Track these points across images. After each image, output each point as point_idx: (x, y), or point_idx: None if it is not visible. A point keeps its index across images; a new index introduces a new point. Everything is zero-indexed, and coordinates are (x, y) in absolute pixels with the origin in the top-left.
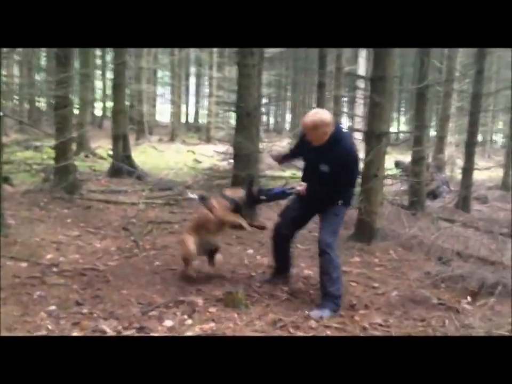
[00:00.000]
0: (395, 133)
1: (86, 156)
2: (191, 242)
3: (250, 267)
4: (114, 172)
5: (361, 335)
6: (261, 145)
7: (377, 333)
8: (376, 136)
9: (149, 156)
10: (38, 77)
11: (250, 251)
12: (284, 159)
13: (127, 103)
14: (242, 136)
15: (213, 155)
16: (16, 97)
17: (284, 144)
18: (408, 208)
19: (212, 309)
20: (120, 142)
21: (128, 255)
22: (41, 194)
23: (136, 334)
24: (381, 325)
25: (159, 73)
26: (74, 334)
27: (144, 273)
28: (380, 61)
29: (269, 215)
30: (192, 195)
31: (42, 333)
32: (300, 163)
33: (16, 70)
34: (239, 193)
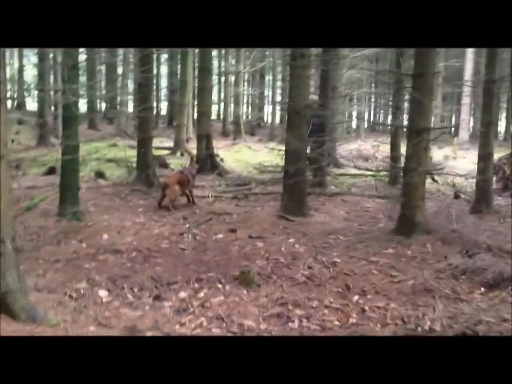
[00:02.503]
0: (437, 128)
1: (182, 154)
2: (176, 189)
3: (283, 253)
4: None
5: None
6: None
7: (373, 315)
8: (416, 132)
9: (242, 155)
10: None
11: (291, 240)
12: None
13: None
14: (291, 134)
15: None
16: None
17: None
18: (475, 206)
19: (227, 286)
20: (203, 141)
21: (178, 240)
22: (124, 187)
23: (150, 302)
24: (379, 308)
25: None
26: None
27: (184, 255)
28: (420, 57)
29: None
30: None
31: (77, 294)
32: None
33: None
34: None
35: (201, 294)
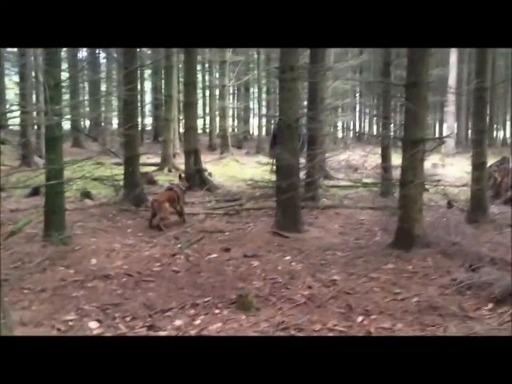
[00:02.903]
0: (432, 139)
1: (169, 171)
2: (166, 206)
3: (280, 272)
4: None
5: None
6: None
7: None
8: (411, 143)
9: (230, 169)
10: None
11: (288, 258)
12: None
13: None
14: (283, 147)
15: None
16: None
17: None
18: (470, 215)
19: (225, 311)
20: (191, 156)
21: (170, 262)
22: (111, 207)
23: (144, 332)
24: (385, 329)
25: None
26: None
27: (177, 278)
28: (414, 67)
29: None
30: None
31: (65, 327)
32: None
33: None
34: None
35: (198, 321)
